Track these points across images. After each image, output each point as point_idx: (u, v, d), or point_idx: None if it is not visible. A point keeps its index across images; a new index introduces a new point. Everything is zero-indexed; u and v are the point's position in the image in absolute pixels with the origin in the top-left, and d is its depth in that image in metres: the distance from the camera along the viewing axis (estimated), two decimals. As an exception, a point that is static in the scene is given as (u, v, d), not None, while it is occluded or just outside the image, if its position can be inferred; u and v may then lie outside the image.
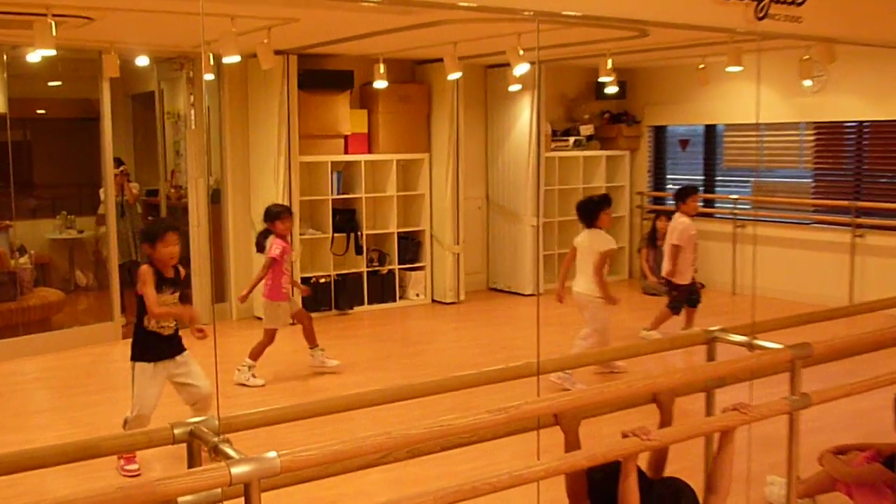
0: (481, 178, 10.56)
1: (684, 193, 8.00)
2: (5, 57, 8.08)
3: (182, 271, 5.18)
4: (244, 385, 6.70)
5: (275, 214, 6.85)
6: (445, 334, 8.82)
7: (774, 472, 4.37)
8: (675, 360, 6.95)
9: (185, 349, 5.12)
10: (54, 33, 5.68)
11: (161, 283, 5.01)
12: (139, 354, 5.02)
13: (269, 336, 6.85)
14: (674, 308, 7.96)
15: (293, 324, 7.13)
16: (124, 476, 4.93)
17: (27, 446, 4.78)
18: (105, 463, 5.03)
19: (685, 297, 7.95)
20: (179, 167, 9.77)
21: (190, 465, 2.44)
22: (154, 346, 5.01)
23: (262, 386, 6.72)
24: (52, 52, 6.15)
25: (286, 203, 8.59)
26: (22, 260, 8.49)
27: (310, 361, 7.11)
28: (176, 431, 2.44)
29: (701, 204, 8.88)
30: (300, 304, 7.35)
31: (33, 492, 4.62)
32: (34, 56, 7.33)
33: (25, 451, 2.32)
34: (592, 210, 6.76)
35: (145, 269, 5.00)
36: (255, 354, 6.81)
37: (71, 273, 10.12)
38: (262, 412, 2.68)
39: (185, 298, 5.31)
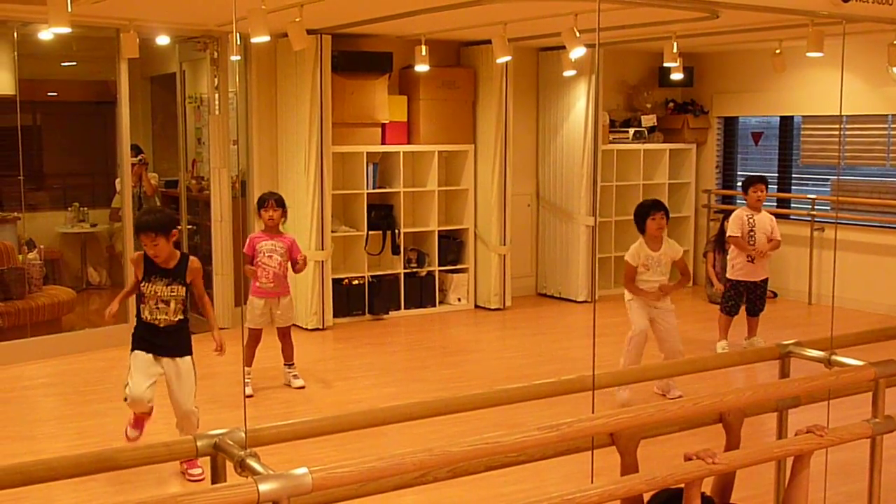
0: (531, 173, 10.56)
1: (745, 183, 8.12)
2: (16, 35, 8.22)
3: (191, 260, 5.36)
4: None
5: (260, 202, 6.95)
6: (489, 343, 8.84)
7: (852, 503, 4.34)
8: (739, 376, 6.93)
9: (187, 353, 5.33)
10: (69, 9, 5.77)
11: (150, 270, 5.23)
12: (134, 343, 5.32)
13: (250, 336, 6.92)
14: (723, 309, 8.02)
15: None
16: (189, 481, 5.15)
17: (34, 457, 4.87)
18: (113, 476, 5.12)
19: (735, 297, 7.97)
20: (201, 156, 9.87)
21: (214, 481, 2.48)
22: (147, 337, 5.25)
23: (251, 396, 6.72)
24: (66, 30, 6.25)
25: (317, 196, 8.67)
26: (31, 255, 8.63)
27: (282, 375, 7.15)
28: (199, 444, 2.48)
29: (773, 203, 8.77)
30: (291, 316, 7.10)
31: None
32: (47, 34, 7.50)
33: (38, 461, 2.37)
34: (639, 216, 6.81)
35: (134, 255, 5.38)
36: (246, 359, 6.86)
37: (83, 270, 10.27)
38: (291, 425, 2.72)
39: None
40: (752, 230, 7.92)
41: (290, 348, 7.06)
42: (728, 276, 8.07)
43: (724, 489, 3.21)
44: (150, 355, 5.25)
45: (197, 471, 5.16)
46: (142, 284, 5.22)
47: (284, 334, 7.03)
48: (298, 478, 2.20)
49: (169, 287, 5.21)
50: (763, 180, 8.14)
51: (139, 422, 5.41)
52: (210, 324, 5.52)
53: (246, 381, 6.78)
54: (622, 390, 6.36)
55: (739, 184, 11.01)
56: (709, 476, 2.89)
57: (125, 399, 5.30)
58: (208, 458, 2.52)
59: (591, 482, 2.68)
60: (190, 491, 2.10)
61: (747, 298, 8.04)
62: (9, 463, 2.36)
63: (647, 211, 6.70)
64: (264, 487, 2.15)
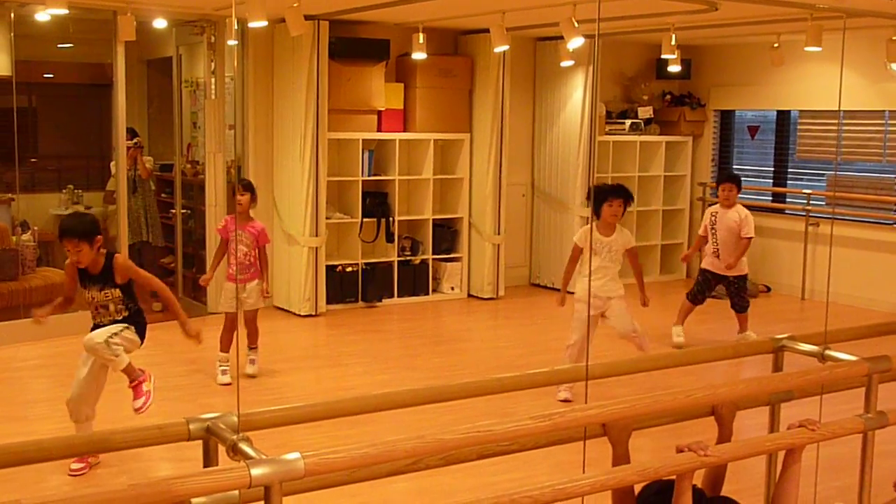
0: (526, 163, 10.56)
1: (718, 181, 8.27)
2: (12, 15, 8.19)
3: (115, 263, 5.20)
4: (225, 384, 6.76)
5: (233, 188, 6.94)
6: (482, 332, 8.85)
7: (843, 497, 4.35)
8: (725, 371, 6.93)
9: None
10: (67, -9, 5.76)
11: (83, 277, 5.17)
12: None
13: (226, 320, 6.89)
14: (688, 294, 8.15)
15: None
16: (70, 475, 5.07)
17: (25, 437, 4.86)
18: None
19: (702, 286, 8.08)
20: (196, 141, 9.85)
21: (206, 464, 2.48)
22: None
23: (228, 384, 6.71)
24: (63, 11, 6.25)
25: (311, 182, 8.66)
26: (24, 237, 8.61)
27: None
28: (191, 427, 2.47)
29: (768, 197, 8.76)
30: (255, 301, 6.88)
31: (29, 488, 4.72)
32: (44, 15, 7.46)
33: (31, 441, 2.37)
34: (596, 200, 6.68)
35: (67, 262, 5.20)
36: (224, 345, 6.82)
37: (76, 252, 10.24)
38: (284, 409, 2.72)
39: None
40: (713, 226, 8.03)
41: (254, 333, 6.96)
42: (701, 265, 8.22)
43: (715, 482, 3.22)
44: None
45: (78, 465, 5.12)
46: (83, 291, 5.17)
47: (250, 319, 6.94)
48: (290, 462, 2.20)
49: (103, 292, 5.15)
50: (733, 179, 8.20)
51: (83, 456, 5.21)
52: (174, 311, 5.39)
53: (224, 367, 6.79)
54: (564, 389, 6.38)
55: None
56: (700, 468, 2.89)
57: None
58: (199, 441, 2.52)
59: (584, 472, 2.68)
60: (182, 474, 2.10)
61: (729, 293, 8.08)
62: (6, 442, 2.36)
63: (605, 196, 6.54)
64: (256, 472, 2.15)
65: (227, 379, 6.75)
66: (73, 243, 5.00)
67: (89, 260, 5.06)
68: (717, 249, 7.99)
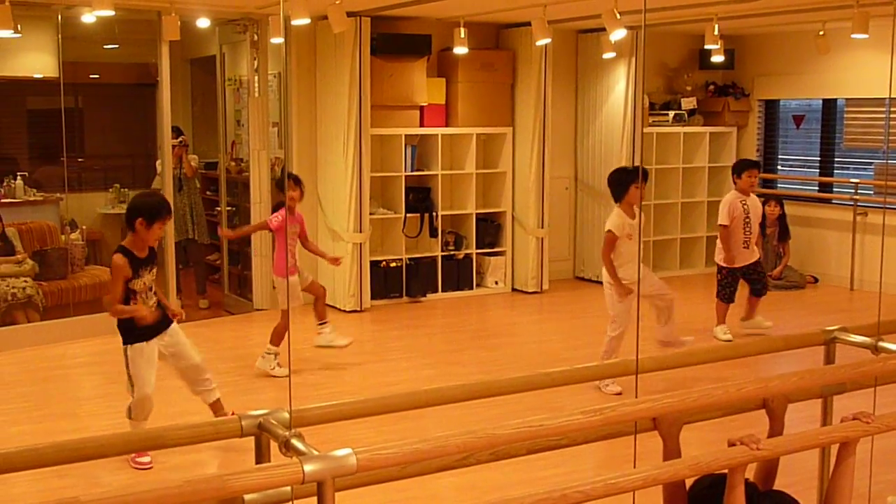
0: (569, 156, 10.52)
1: (738, 168, 8.00)
2: (59, 17, 8.30)
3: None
4: (270, 375, 6.80)
5: (279, 183, 6.99)
6: (526, 327, 8.84)
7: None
8: (769, 363, 6.87)
9: (171, 322, 5.37)
10: (113, -8, 5.82)
11: (137, 265, 5.15)
12: (131, 337, 5.22)
13: (282, 317, 6.95)
14: (721, 296, 7.92)
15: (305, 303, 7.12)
16: (135, 469, 5.13)
17: (77, 434, 4.93)
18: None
19: (734, 284, 7.90)
20: (240, 138, 9.92)
21: (258, 460, 2.50)
22: (143, 326, 5.20)
23: (285, 377, 6.76)
24: (108, 13, 6.31)
25: (355, 178, 8.69)
26: (73, 235, 8.73)
27: (316, 340, 7.13)
28: (244, 423, 2.49)
29: (815, 187, 8.63)
30: (312, 277, 7.26)
31: (84, 484, 4.78)
32: (89, 17, 7.55)
33: (89, 438, 2.40)
34: (619, 183, 6.63)
35: (120, 262, 5.09)
36: (276, 339, 6.86)
37: (124, 251, 10.35)
38: (335, 405, 2.73)
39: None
40: (747, 216, 7.85)
41: (323, 308, 7.10)
42: (721, 262, 7.94)
43: (767, 475, 3.19)
44: (145, 343, 5.22)
45: (145, 459, 5.17)
46: (131, 282, 5.13)
47: (318, 287, 7.10)
48: (343, 458, 2.20)
49: (151, 272, 5.23)
50: (757, 165, 8.07)
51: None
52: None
53: (278, 362, 6.84)
54: (611, 383, 6.36)
55: (780, 168, 10.96)
56: (752, 462, 2.87)
57: (128, 412, 5.29)
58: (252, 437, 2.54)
59: (634, 466, 2.66)
60: (237, 471, 2.11)
61: (749, 280, 7.95)
62: (55, 440, 2.39)
63: (632, 178, 6.56)
64: (309, 468, 2.16)
65: (283, 371, 6.80)
66: (165, 221, 5.20)
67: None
68: (749, 240, 7.86)
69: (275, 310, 7.98)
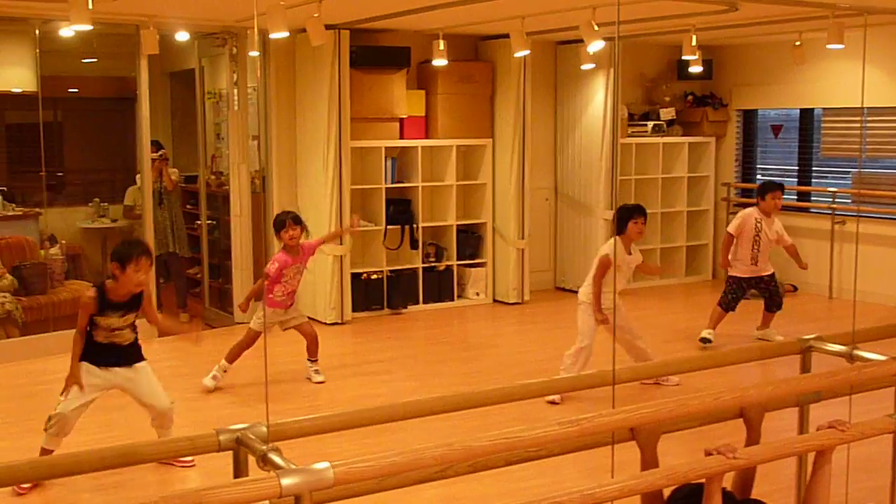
0: (549, 167, 10.55)
1: (763, 189, 8.06)
2: (37, 32, 8.29)
3: (146, 295, 5.26)
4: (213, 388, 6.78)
5: (279, 223, 6.89)
6: (508, 337, 8.85)
7: (875, 497, 4.32)
8: (751, 372, 6.90)
9: (142, 359, 5.31)
10: (90, 6, 5.81)
11: (105, 306, 5.10)
12: (86, 356, 5.18)
13: (248, 336, 6.85)
14: (721, 302, 7.98)
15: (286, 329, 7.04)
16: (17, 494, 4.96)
17: (58, 450, 4.90)
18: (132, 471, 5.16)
19: (737, 294, 7.96)
20: (220, 152, 9.91)
21: (236, 475, 2.50)
22: (104, 354, 5.17)
23: (213, 391, 6.73)
24: (87, 27, 6.29)
25: (335, 191, 8.69)
26: (52, 250, 8.69)
27: (306, 372, 7.11)
28: (221, 438, 2.50)
29: (793, 196, 8.71)
30: (306, 317, 7.17)
31: (62, 500, 4.76)
32: (68, 31, 7.54)
33: (64, 455, 2.39)
34: (620, 218, 6.78)
35: (87, 298, 5.10)
36: (232, 356, 6.82)
37: (104, 265, 10.31)
38: (313, 419, 2.74)
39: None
40: (758, 234, 7.93)
41: (314, 344, 7.04)
42: (730, 272, 8.05)
43: (744, 484, 3.21)
44: (98, 369, 5.18)
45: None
46: (96, 318, 5.10)
47: (306, 331, 7.02)
48: (320, 472, 2.21)
49: (123, 318, 5.16)
50: (780, 187, 8.12)
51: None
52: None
53: (215, 374, 6.78)
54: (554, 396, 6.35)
55: (759, 177, 11.01)
56: (730, 471, 2.89)
57: (47, 421, 5.20)
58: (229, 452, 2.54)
59: (612, 477, 2.67)
60: (213, 485, 2.11)
61: (763, 295, 8.06)
62: (32, 457, 2.39)
63: (631, 214, 6.71)
64: (286, 482, 2.17)
65: (213, 385, 6.75)
66: (149, 262, 5.12)
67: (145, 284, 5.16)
68: (757, 257, 7.93)
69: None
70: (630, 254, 6.75)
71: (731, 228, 8.06)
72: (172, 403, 5.34)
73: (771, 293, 8.06)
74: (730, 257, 8.05)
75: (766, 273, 8.01)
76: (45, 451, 4.93)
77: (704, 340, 7.84)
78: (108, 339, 5.15)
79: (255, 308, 7.01)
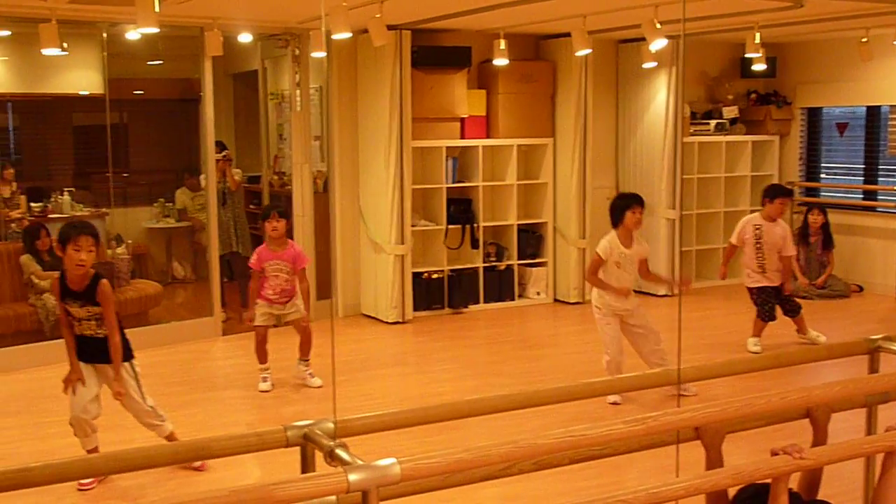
0: (610, 166, 10.51)
1: (771, 192, 7.84)
2: (104, 35, 8.44)
3: (102, 285, 5.03)
4: (308, 386, 6.85)
5: (264, 214, 6.85)
6: (568, 337, 8.83)
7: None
8: (811, 373, 6.81)
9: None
10: (157, 9, 5.90)
11: (65, 293, 5.03)
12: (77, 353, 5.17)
13: (256, 335, 6.90)
14: (759, 315, 7.78)
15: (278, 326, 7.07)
16: (80, 491, 4.99)
17: (124, 446, 4.99)
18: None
19: (767, 303, 7.73)
20: (283, 152, 10.02)
21: (304, 470, 2.53)
22: (81, 346, 5.13)
23: (267, 392, 6.78)
24: (153, 30, 6.39)
25: (397, 191, 8.73)
26: (119, 250, 8.84)
27: (294, 371, 7.06)
28: (289, 434, 2.53)
29: (859, 195, 8.49)
30: (303, 313, 6.96)
31: (125, 495, 4.85)
32: (134, 34, 7.68)
33: (137, 449, 2.45)
34: (615, 208, 6.56)
35: (53, 284, 5.07)
36: (260, 357, 6.89)
37: (168, 264, 10.49)
38: (379, 416, 2.76)
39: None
40: (759, 242, 7.71)
41: (307, 343, 6.94)
42: (746, 284, 7.85)
43: (811, 485, 3.18)
44: (86, 365, 5.15)
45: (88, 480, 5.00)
46: (66, 306, 5.05)
47: (301, 329, 6.94)
48: (387, 468, 2.23)
49: (83, 309, 5.05)
50: (790, 194, 7.92)
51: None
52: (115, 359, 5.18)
53: (265, 375, 6.86)
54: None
55: (823, 176, 10.86)
56: (796, 471, 2.86)
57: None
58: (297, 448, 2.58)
59: (677, 476, 2.67)
60: (282, 480, 2.15)
61: (778, 304, 7.80)
62: (103, 451, 2.44)
63: (628, 203, 6.46)
64: (354, 477, 2.19)
65: (267, 386, 6.82)
66: (91, 242, 4.92)
67: (91, 264, 4.98)
68: (763, 265, 7.73)
69: (315, 321, 8.05)
70: (629, 247, 6.49)
71: (732, 237, 7.91)
72: (151, 408, 5.26)
73: (786, 300, 7.82)
74: (745, 269, 7.82)
75: (773, 285, 7.72)
76: (89, 453, 4.97)
77: (755, 353, 7.67)
78: (79, 330, 5.08)
79: (259, 308, 6.96)
